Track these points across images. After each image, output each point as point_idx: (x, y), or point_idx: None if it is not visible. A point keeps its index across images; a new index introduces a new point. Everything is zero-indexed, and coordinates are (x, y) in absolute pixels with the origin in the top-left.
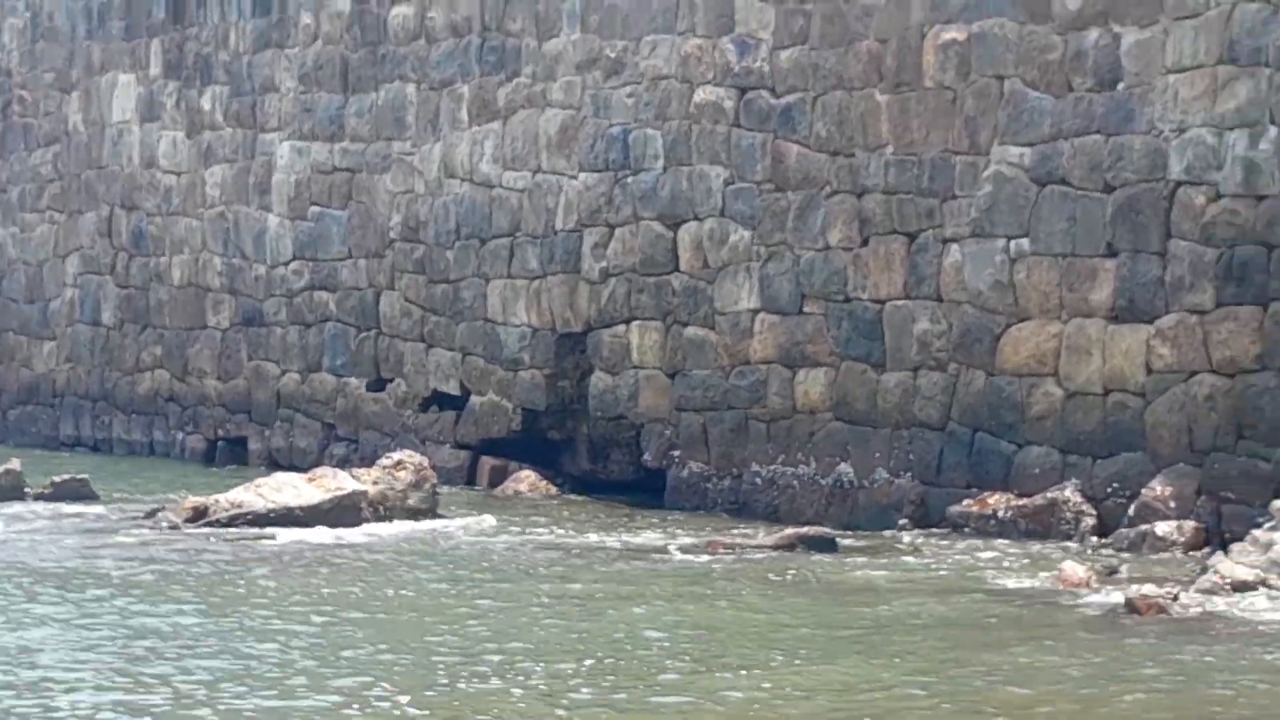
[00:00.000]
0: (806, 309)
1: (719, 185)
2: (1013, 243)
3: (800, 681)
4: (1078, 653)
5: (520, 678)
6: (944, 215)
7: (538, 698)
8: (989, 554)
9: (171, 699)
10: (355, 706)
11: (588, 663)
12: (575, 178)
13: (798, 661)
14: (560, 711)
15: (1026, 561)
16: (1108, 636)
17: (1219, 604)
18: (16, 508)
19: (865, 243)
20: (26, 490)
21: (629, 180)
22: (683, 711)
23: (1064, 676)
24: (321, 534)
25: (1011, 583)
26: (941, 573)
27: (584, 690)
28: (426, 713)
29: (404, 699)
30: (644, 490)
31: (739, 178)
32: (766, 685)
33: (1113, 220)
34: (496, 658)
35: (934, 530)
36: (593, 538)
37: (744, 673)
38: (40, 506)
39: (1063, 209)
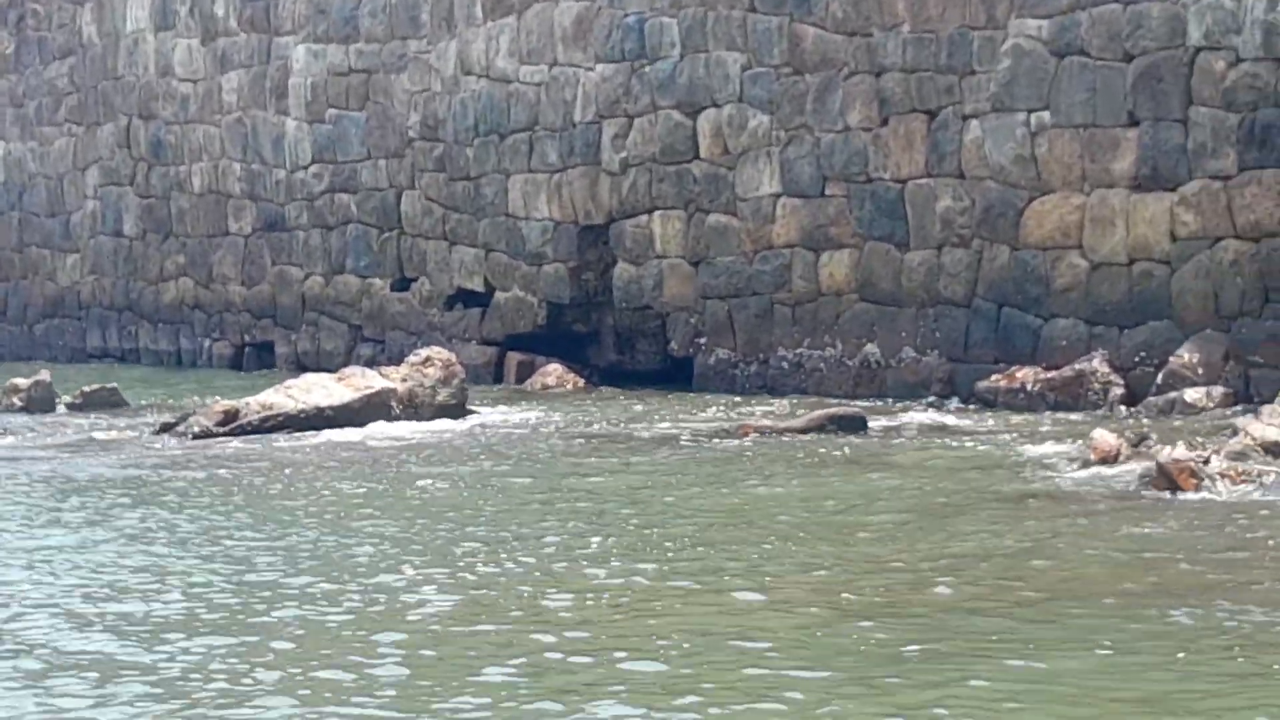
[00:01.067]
0: (828, 191)
1: (736, 71)
2: (1033, 116)
3: (853, 558)
4: (1117, 523)
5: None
6: (963, 91)
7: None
8: (1020, 427)
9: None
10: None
11: (632, 551)
12: (592, 69)
13: (859, 537)
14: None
15: (1058, 432)
16: (1136, 508)
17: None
18: (49, 418)
19: (885, 122)
20: (58, 401)
21: (646, 70)
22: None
23: (1104, 546)
24: (354, 433)
25: (1044, 451)
26: (979, 448)
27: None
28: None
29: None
30: (671, 379)
31: (756, 62)
32: (819, 565)
33: (1133, 89)
34: (556, 544)
35: (963, 406)
36: (624, 426)
37: (792, 549)
38: (71, 417)
39: (1082, 80)
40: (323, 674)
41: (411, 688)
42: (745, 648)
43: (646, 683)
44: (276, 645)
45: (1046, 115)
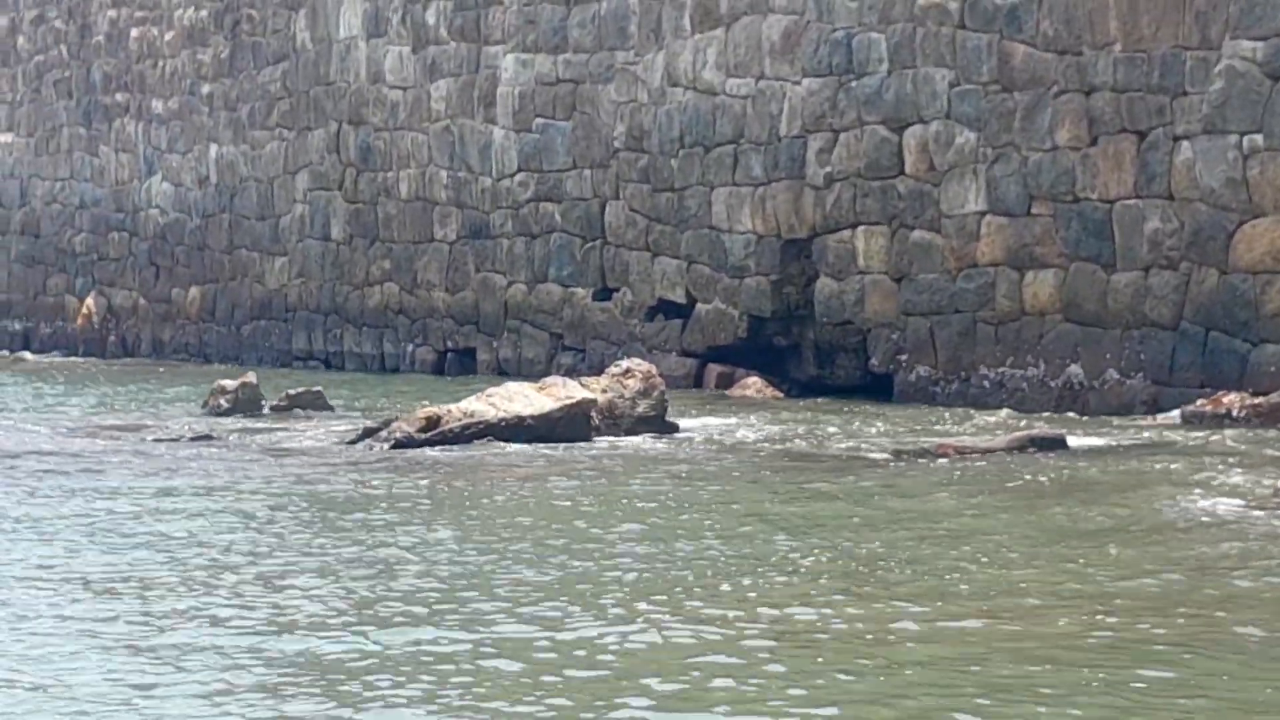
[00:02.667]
0: (1034, 210)
1: (944, 87)
2: (1245, 138)
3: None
4: None
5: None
6: (1174, 112)
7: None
8: (1229, 448)
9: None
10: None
11: (823, 572)
12: (799, 83)
13: (1039, 563)
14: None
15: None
16: None
17: None
18: (255, 423)
19: (1094, 142)
20: (264, 402)
21: (853, 84)
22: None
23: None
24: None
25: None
26: (1183, 467)
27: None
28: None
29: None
30: (870, 395)
31: (964, 79)
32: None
33: None
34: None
35: (1169, 428)
36: (828, 443)
37: (976, 572)
38: (276, 421)
39: None
40: None
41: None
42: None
43: None
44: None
45: (1259, 138)
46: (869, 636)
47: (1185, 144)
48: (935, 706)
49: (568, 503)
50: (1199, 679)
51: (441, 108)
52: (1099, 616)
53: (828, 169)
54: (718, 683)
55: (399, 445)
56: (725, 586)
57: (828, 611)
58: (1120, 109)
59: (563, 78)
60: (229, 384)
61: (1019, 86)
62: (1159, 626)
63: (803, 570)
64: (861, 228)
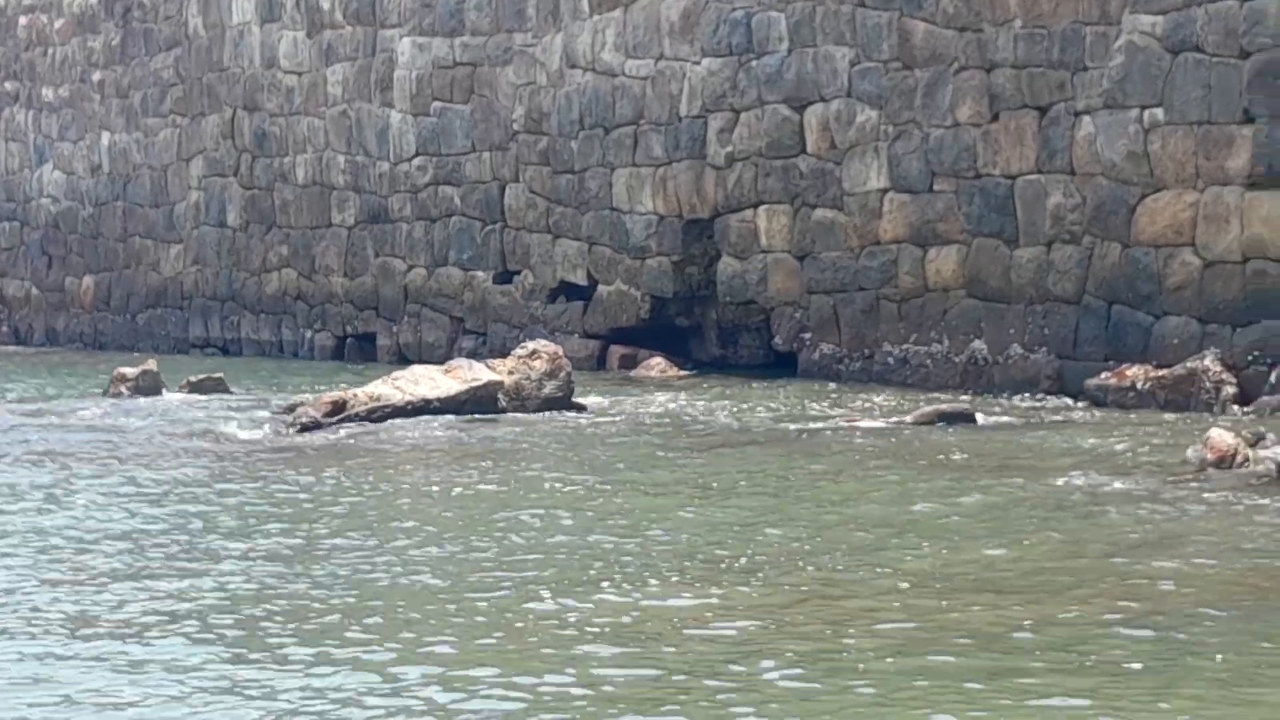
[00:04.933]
0: (937, 187)
1: (845, 66)
2: (1146, 113)
3: (951, 560)
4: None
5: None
6: (1075, 87)
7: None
8: (1132, 425)
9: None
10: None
11: (739, 551)
12: (699, 63)
13: (955, 539)
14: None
15: (1169, 432)
16: (1255, 506)
17: None
18: (160, 402)
19: (995, 118)
20: (165, 390)
21: (753, 64)
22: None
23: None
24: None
25: (1156, 455)
26: (1086, 444)
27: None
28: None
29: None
30: (775, 373)
31: (865, 57)
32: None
33: (1249, 86)
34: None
35: (1072, 404)
36: (734, 421)
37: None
38: (180, 396)
39: (1197, 76)
40: None
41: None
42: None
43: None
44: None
45: (1160, 112)
46: (771, 625)
47: (1086, 119)
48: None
49: (472, 488)
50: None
51: (338, 92)
52: (993, 598)
53: (729, 149)
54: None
55: (305, 429)
56: (619, 574)
57: (682, 599)
58: (1021, 85)
59: (460, 61)
60: (129, 371)
61: (920, 64)
62: (1059, 609)
63: (700, 554)
64: (763, 207)
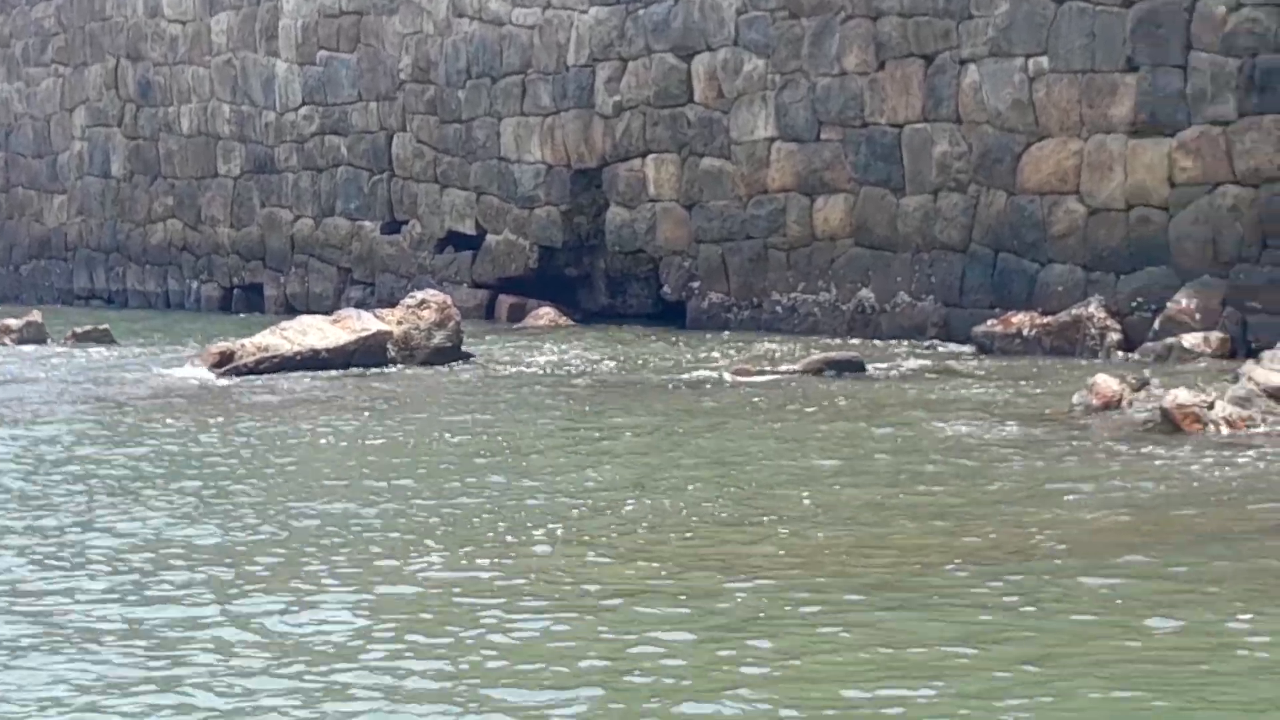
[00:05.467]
0: (824, 136)
1: (731, 15)
2: (1031, 61)
3: (836, 502)
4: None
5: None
6: (960, 36)
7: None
8: (1018, 372)
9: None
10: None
11: (623, 507)
12: (586, 12)
13: (836, 487)
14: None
15: (1055, 379)
16: (1139, 451)
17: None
18: (41, 350)
19: (881, 67)
20: (50, 342)
21: (640, 13)
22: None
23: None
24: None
25: (1041, 401)
26: (972, 391)
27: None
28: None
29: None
30: (664, 323)
31: (751, 6)
32: (802, 506)
33: (1132, 34)
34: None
35: (959, 351)
36: (623, 370)
37: (783, 497)
38: (66, 349)
39: (1081, 25)
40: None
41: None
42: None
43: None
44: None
45: (1045, 60)
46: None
47: (972, 67)
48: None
49: (350, 440)
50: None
51: (223, 41)
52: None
53: (616, 98)
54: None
55: (193, 380)
56: (510, 528)
57: (572, 553)
58: (907, 33)
59: (346, 10)
60: (13, 323)
61: (806, 12)
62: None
63: (586, 506)
64: (651, 156)
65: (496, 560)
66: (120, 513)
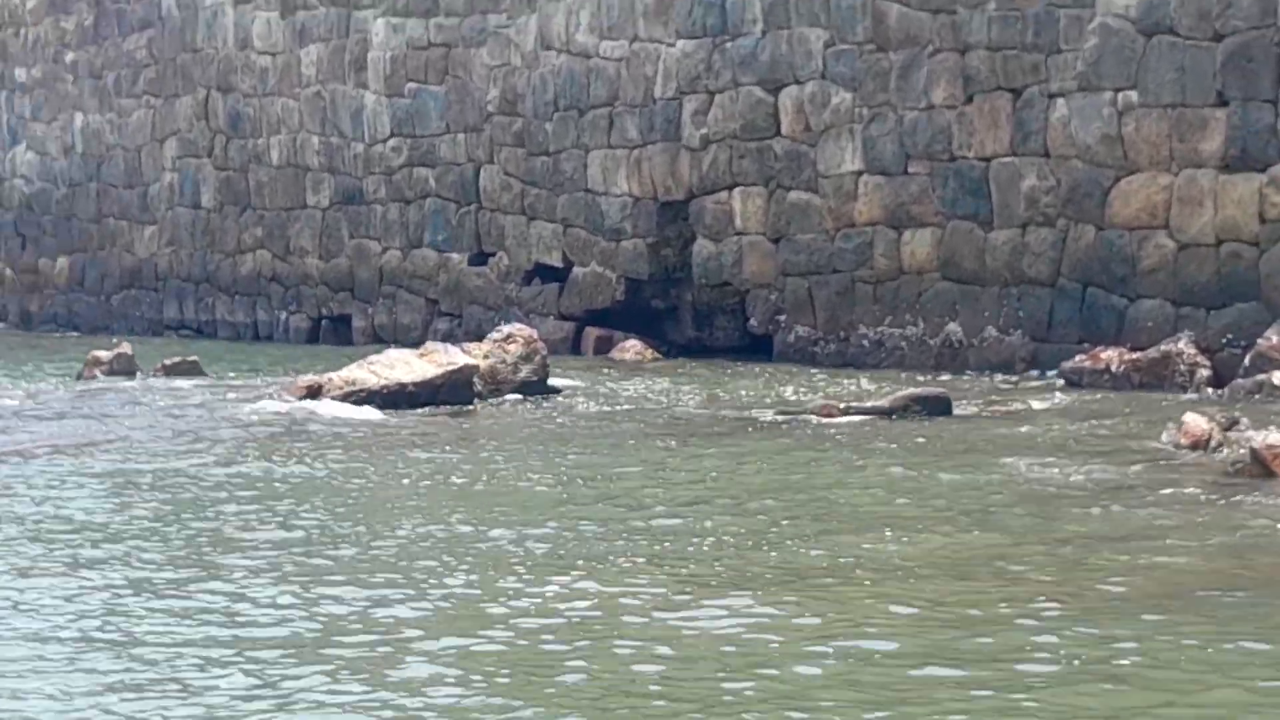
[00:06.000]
0: (911, 169)
1: (819, 48)
2: (1120, 95)
3: (913, 552)
4: (1199, 511)
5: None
6: (1049, 70)
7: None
8: (1105, 408)
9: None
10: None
11: (719, 536)
12: (673, 45)
13: (915, 530)
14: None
15: (1143, 416)
16: (1228, 494)
17: None
18: (131, 383)
19: (969, 100)
20: (139, 374)
21: (728, 45)
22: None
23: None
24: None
25: (1129, 439)
26: (1060, 429)
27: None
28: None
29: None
30: (750, 356)
31: (839, 39)
32: (888, 549)
33: (1222, 68)
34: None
35: (1047, 386)
36: (710, 405)
37: (867, 540)
38: (158, 381)
39: (1171, 59)
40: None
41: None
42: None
43: None
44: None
45: (1134, 94)
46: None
47: (1060, 101)
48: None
49: (455, 475)
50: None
51: (312, 73)
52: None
53: (703, 130)
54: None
55: (281, 413)
56: (601, 558)
57: (652, 593)
58: (995, 67)
59: (434, 42)
60: (103, 355)
61: (894, 46)
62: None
63: (664, 546)
64: (738, 189)
65: (578, 591)
66: (214, 550)
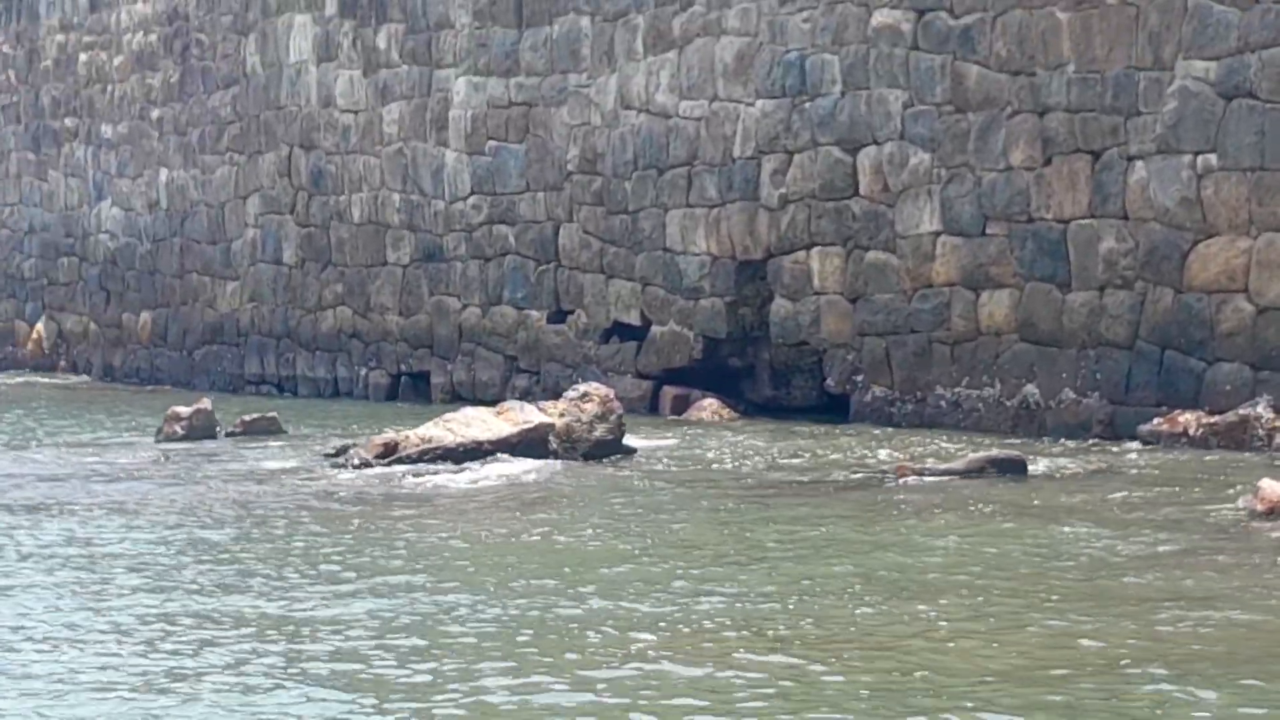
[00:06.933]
0: (989, 230)
1: (898, 108)
2: (1199, 158)
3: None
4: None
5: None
6: (1128, 132)
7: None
8: (1182, 472)
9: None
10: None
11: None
12: (752, 105)
13: (987, 604)
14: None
15: (1220, 481)
16: None
17: None
18: (210, 445)
19: (1048, 162)
20: (218, 429)
21: (807, 106)
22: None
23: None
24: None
25: (1205, 505)
26: (1135, 494)
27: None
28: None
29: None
30: (827, 416)
31: (918, 100)
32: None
33: None
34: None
35: (1124, 449)
36: (787, 466)
37: (932, 609)
38: (233, 443)
39: (1250, 122)
40: None
41: None
42: None
43: None
44: None
45: (1213, 158)
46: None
47: (1139, 164)
48: None
49: (532, 536)
50: None
51: (393, 131)
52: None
53: (782, 190)
54: None
55: (357, 469)
56: (680, 627)
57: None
58: (1074, 129)
59: (515, 100)
60: (183, 410)
61: (973, 107)
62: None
63: (741, 609)
64: (816, 249)
65: (668, 659)
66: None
